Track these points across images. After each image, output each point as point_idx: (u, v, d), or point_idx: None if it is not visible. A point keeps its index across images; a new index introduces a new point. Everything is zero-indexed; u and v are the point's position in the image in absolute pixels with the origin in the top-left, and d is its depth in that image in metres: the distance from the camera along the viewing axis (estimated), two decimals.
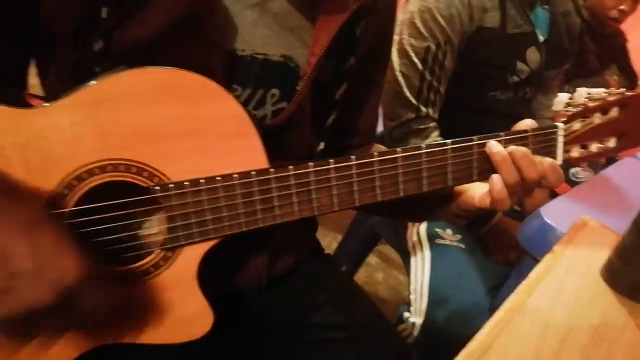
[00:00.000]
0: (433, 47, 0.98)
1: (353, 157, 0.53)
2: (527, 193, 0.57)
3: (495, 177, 0.55)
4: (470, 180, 0.56)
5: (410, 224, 1.13)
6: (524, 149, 0.54)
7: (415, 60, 0.99)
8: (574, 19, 1.22)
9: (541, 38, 1.11)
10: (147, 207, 0.50)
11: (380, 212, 0.88)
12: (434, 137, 1.03)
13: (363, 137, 0.74)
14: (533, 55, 1.10)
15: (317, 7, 0.58)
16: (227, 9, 0.54)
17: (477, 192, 0.59)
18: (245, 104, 0.56)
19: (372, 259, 1.89)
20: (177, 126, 0.49)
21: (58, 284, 0.41)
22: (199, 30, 0.51)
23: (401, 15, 1.02)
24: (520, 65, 1.08)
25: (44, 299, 0.41)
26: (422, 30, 0.98)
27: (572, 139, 0.58)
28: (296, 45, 0.59)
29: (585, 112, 0.58)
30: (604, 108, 0.58)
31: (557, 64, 1.21)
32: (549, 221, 0.73)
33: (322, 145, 0.66)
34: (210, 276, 0.55)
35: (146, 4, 0.49)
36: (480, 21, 1.01)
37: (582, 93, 0.58)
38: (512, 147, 0.55)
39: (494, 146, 0.55)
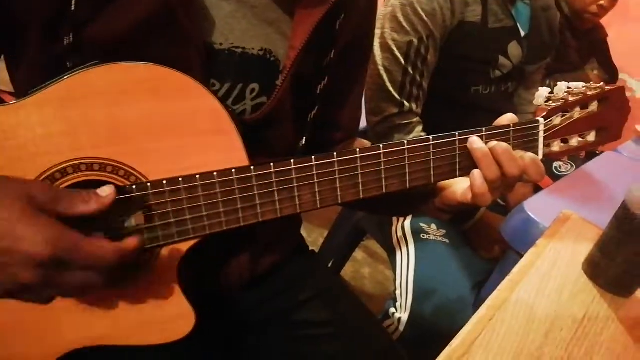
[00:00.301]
0: (415, 41, 0.98)
1: (335, 154, 0.52)
2: (508, 188, 0.57)
3: (476, 173, 0.55)
4: (453, 176, 0.56)
5: (395, 219, 1.13)
6: (504, 144, 0.54)
7: (398, 54, 0.99)
8: (554, 13, 1.23)
9: (523, 32, 1.12)
10: (124, 207, 0.49)
11: (363, 208, 0.87)
12: (418, 132, 1.03)
13: (346, 131, 0.73)
14: (515, 49, 1.10)
15: (296, 0, 0.57)
16: (203, 1, 0.53)
17: (459, 187, 0.59)
18: (223, 99, 0.55)
19: (358, 254, 1.90)
20: (153, 123, 0.47)
21: (30, 261, 0.40)
22: (174, 24, 0.50)
23: (383, 9, 1.01)
24: (502, 59, 1.09)
25: (25, 278, 0.40)
26: (404, 24, 0.97)
27: (552, 134, 0.58)
28: (276, 39, 0.58)
29: (565, 107, 0.58)
30: (583, 102, 0.59)
31: (538, 59, 1.21)
32: (532, 216, 0.74)
33: (303, 141, 0.65)
34: (192, 275, 0.54)
35: None
36: (462, 15, 1.01)
37: (562, 87, 0.59)
38: (493, 143, 0.54)
39: (475, 142, 0.55)
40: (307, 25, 0.56)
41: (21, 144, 0.44)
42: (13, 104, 0.44)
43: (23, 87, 0.50)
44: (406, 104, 1.01)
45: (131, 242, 0.45)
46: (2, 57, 0.54)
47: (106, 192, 0.44)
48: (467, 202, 0.57)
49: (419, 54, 0.99)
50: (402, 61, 0.99)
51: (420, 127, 1.03)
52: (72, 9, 0.47)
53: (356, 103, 0.74)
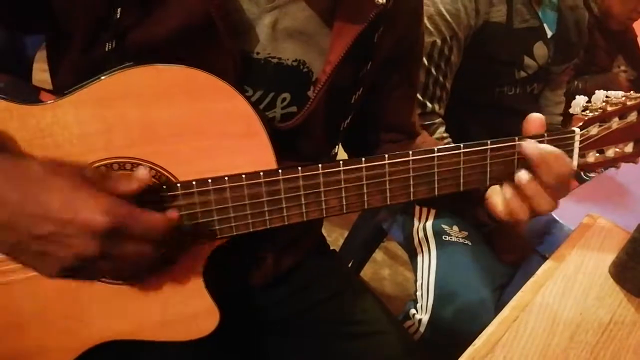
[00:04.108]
0: (439, 42, 0.97)
1: (363, 159, 0.52)
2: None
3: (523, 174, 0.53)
4: (483, 184, 0.55)
5: (416, 221, 1.12)
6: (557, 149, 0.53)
7: None
8: (582, 12, 1.20)
9: (549, 33, 1.10)
10: (154, 207, 0.50)
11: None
12: (440, 133, 1.02)
13: (402, 132, 0.73)
14: (540, 50, 1.08)
15: (335, 14, 0.57)
16: (244, 12, 0.53)
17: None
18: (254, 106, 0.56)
19: (378, 255, 1.89)
20: (185, 124, 0.48)
21: (91, 231, 0.40)
22: (212, 34, 0.50)
23: None
24: (527, 60, 1.07)
25: (86, 250, 0.41)
26: (428, 25, 0.97)
27: (588, 144, 0.57)
28: (312, 51, 0.58)
29: (603, 117, 0.56)
30: (622, 112, 0.56)
31: (564, 59, 1.19)
32: (557, 218, 0.73)
33: (336, 149, 0.65)
34: (216, 274, 0.55)
35: (161, 6, 0.49)
36: (487, 15, 1.00)
37: (600, 97, 0.56)
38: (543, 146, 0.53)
39: (528, 147, 0.53)
40: (345, 41, 0.55)
41: (58, 142, 0.46)
42: (50, 103, 0.46)
43: (62, 88, 0.51)
44: (429, 104, 1.01)
45: (173, 213, 0.46)
46: (37, 58, 0.56)
47: (143, 173, 0.46)
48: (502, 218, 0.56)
49: (442, 55, 0.99)
50: (425, 62, 0.99)
51: (442, 128, 1.03)
52: (117, 17, 0.48)
53: (409, 106, 0.73)
